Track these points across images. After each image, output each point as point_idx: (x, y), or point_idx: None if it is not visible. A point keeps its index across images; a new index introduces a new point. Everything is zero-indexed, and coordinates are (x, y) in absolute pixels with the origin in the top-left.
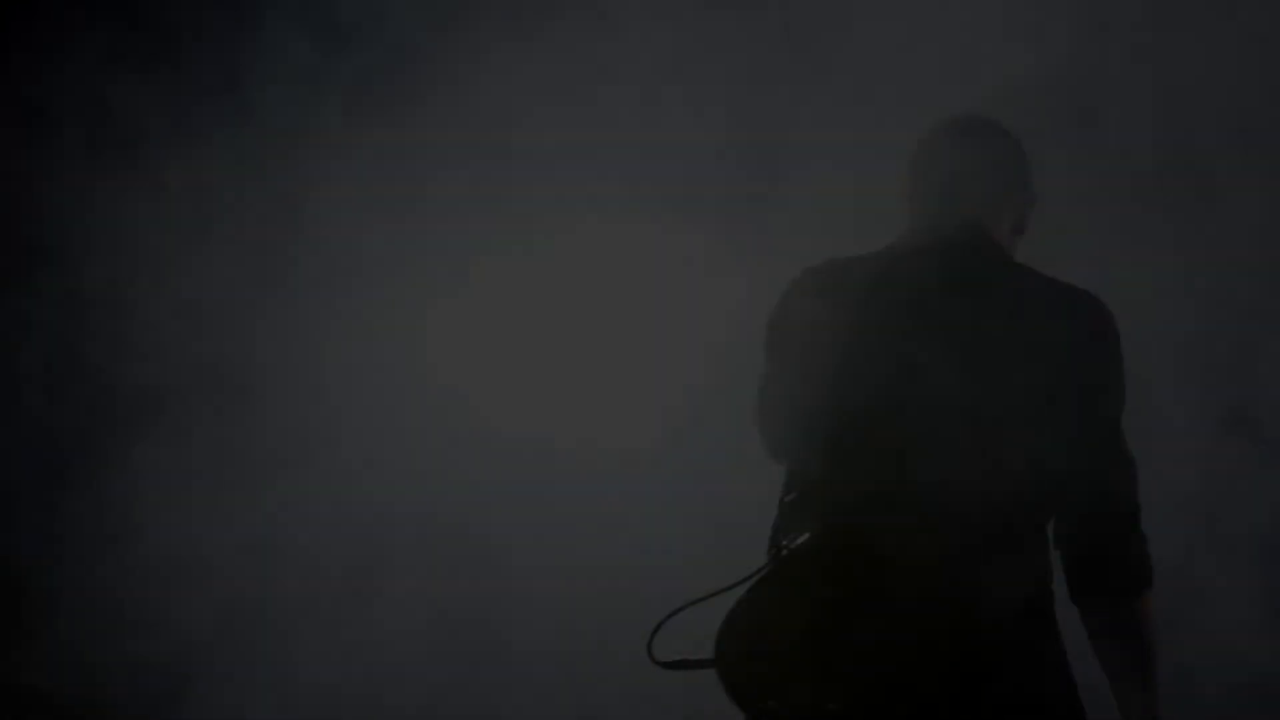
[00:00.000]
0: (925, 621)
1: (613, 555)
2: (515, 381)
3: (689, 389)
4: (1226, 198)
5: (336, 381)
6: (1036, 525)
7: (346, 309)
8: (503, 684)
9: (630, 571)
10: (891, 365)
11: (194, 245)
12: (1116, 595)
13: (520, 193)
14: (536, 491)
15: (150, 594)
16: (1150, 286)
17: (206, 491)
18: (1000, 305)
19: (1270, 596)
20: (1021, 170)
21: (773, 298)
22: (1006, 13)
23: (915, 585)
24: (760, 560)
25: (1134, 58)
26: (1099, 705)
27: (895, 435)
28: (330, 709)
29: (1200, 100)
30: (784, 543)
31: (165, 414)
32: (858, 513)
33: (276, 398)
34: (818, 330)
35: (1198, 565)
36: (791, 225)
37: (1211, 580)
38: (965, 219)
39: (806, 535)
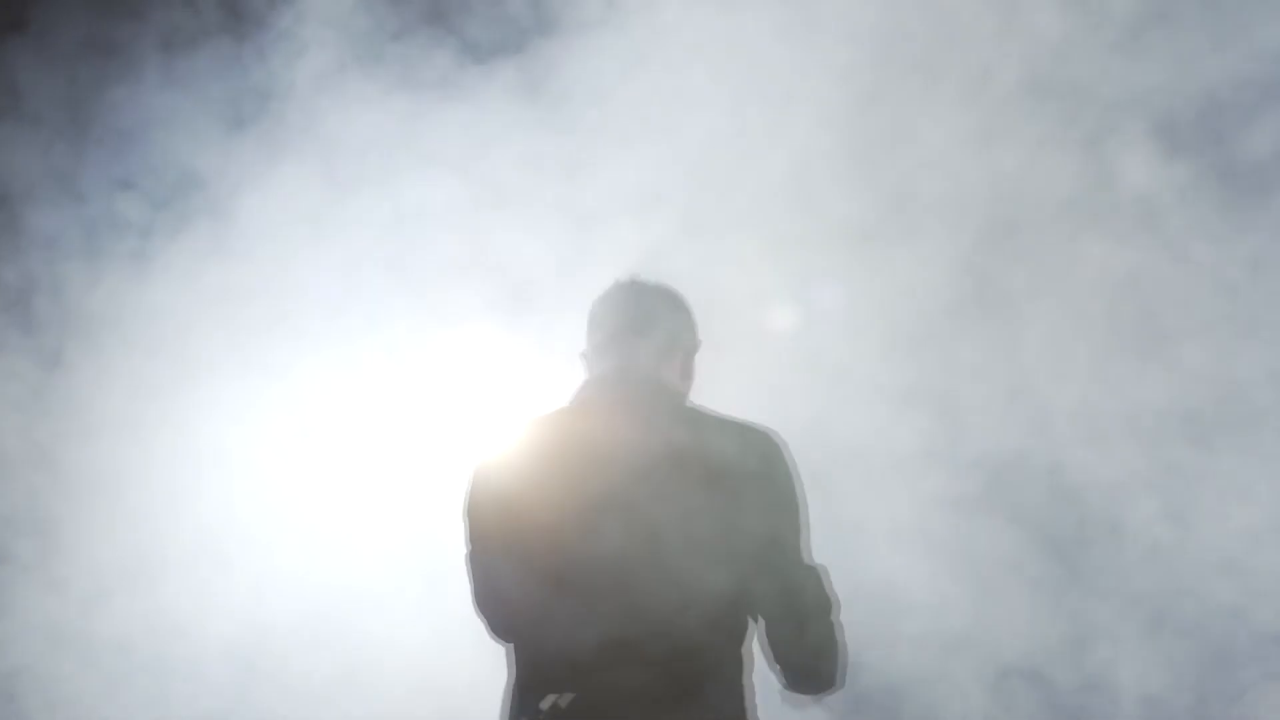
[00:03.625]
0: None
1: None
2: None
3: None
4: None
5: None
6: (737, 644)
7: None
8: None
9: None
10: (594, 521)
11: None
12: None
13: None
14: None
15: None
16: None
17: None
18: (680, 446)
19: None
20: (687, 322)
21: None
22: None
23: None
24: None
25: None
26: None
27: (605, 584)
28: None
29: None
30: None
31: None
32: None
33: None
34: (518, 503)
35: None
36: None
37: None
38: (638, 371)
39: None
